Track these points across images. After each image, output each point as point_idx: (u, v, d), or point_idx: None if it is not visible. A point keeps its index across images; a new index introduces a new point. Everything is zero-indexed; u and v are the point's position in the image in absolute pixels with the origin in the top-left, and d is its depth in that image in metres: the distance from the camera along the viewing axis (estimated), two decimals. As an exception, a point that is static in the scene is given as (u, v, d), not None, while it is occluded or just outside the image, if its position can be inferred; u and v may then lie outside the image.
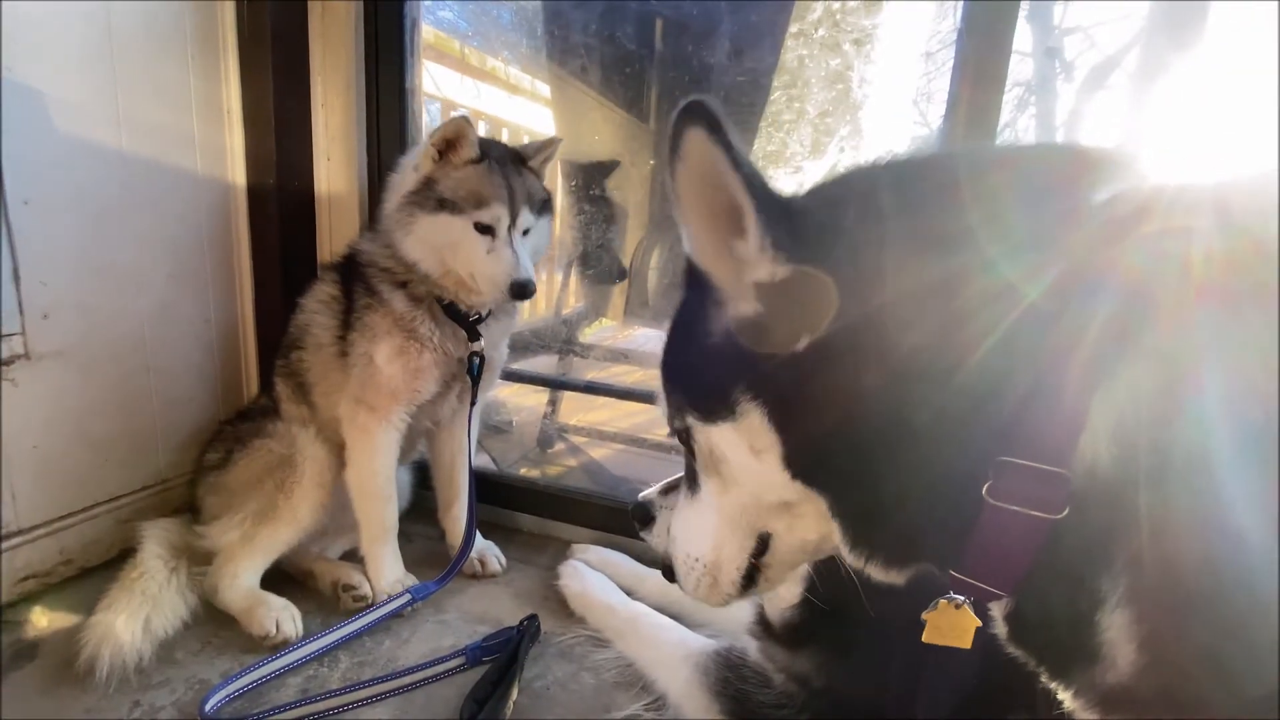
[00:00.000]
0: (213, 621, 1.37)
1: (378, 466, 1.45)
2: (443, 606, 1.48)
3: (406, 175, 1.42)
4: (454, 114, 1.40)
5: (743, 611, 1.23)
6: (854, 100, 1.54)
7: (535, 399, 2.51)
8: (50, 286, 1.38)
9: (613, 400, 2.45)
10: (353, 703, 1.18)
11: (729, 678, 1.15)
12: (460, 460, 1.62)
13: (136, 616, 1.22)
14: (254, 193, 1.73)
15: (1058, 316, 0.49)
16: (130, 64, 1.47)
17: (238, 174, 1.73)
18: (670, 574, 0.83)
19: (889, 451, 0.55)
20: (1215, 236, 0.45)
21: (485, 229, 1.36)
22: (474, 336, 1.45)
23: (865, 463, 0.57)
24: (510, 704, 1.18)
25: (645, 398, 2.60)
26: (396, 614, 1.41)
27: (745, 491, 0.68)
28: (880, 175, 0.62)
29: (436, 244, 1.37)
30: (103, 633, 1.19)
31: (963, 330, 0.51)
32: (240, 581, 1.37)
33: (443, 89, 2.46)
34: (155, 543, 1.37)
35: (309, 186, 1.79)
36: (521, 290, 1.36)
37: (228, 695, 1.16)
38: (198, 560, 1.41)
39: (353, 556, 1.59)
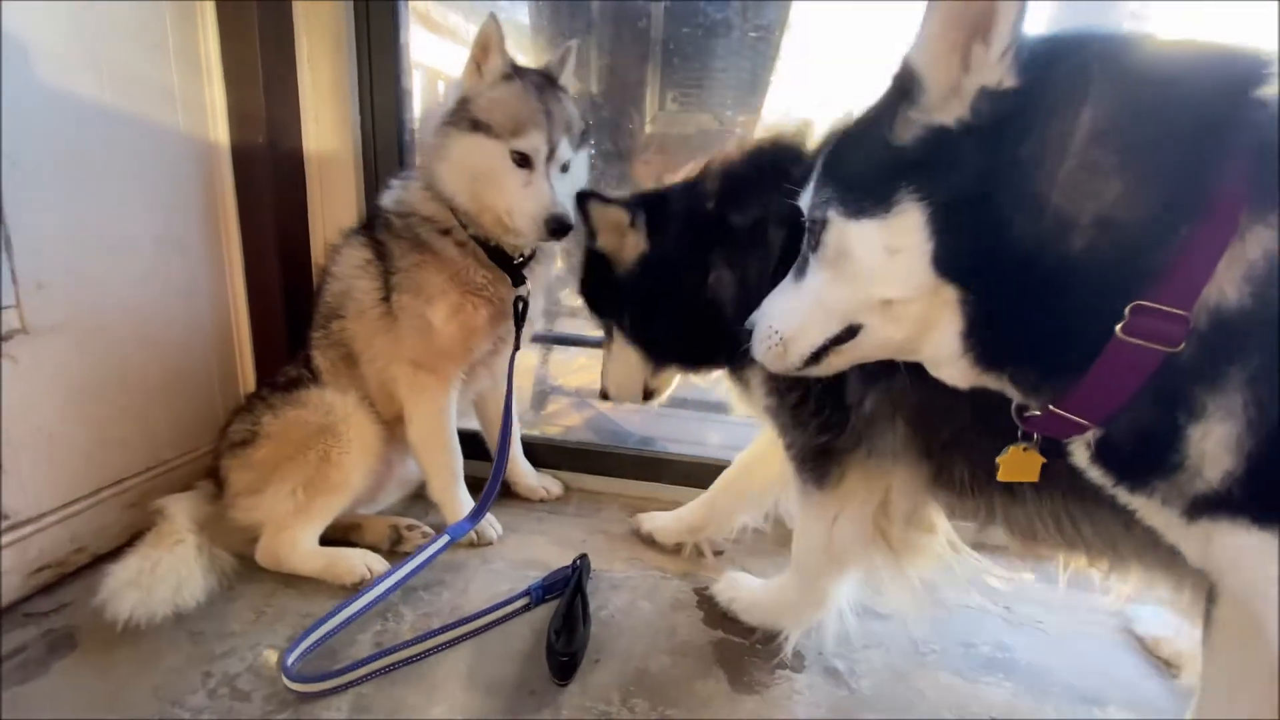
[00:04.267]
0: (256, 594, 1.35)
1: (441, 424, 1.46)
2: (489, 556, 1.52)
3: (449, 98, 1.34)
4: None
5: None
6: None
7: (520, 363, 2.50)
8: (43, 255, 1.27)
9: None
10: (433, 648, 1.21)
11: None
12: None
13: (171, 573, 1.20)
14: (239, 153, 1.64)
15: (1206, 187, 0.58)
16: (104, 7, 1.35)
17: (219, 132, 1.62)
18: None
19: (1044, 273, 0.63)
20: None
21: (522, 160, 1.29)
22: (518, 281, 1.43)
23: (1016, 277, 0.65)
24: (589, 631, 1.25)
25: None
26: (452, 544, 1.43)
27: (858, 287, 0.75)
28: (1102, 41, 0.67)
29: (471, 170, 1.30)
30: (129, 577, 1.17)
31: (1143, 188, 0.60)
32: (302, 546, 1.36)
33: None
34: (184, 515, 1.32)
35: (298, 147, 1.71)
36: (559, 226, 1.27)
37: (306, 650, 1.16)
38: (217, 536, 1.36)
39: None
